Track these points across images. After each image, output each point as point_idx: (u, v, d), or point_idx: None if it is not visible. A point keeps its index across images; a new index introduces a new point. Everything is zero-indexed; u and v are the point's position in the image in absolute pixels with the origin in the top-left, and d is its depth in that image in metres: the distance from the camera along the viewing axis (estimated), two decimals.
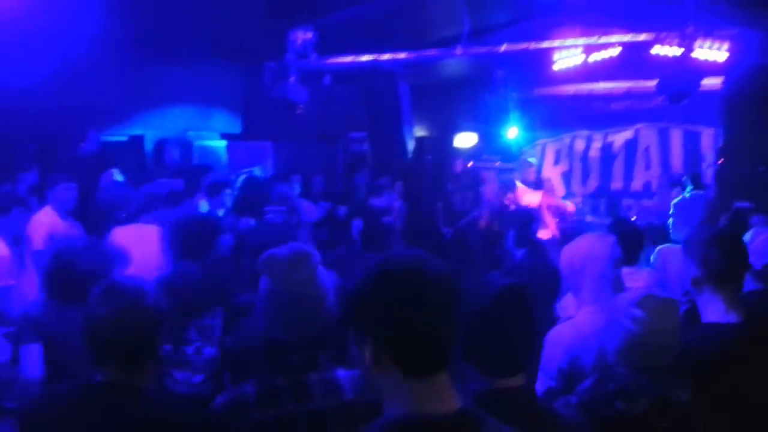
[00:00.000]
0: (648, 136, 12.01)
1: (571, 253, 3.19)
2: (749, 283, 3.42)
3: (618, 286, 3.09)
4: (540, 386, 2.91)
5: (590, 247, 3.17)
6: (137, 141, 10.11)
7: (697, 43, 7.45)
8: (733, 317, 2.73)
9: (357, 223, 8.64)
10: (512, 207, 9.56)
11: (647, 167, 12.03)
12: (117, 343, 2.17)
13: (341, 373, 2.30)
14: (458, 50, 7.96)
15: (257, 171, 11.00)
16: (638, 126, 12.03)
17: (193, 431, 2.22)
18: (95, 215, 6.42)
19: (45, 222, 6.31)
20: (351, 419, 2.23)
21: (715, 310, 2.76)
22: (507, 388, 2.03)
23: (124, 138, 9.87)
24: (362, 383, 2.27)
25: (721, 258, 2.77)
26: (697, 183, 9.03)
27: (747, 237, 3.65)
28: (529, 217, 6.19)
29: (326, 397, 2.23)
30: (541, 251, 5.82)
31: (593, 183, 12.55)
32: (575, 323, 3.02)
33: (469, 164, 12.16)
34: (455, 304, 1.55)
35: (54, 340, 3.47)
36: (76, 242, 4.00)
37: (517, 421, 1.70)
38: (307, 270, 2.28)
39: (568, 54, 11.54)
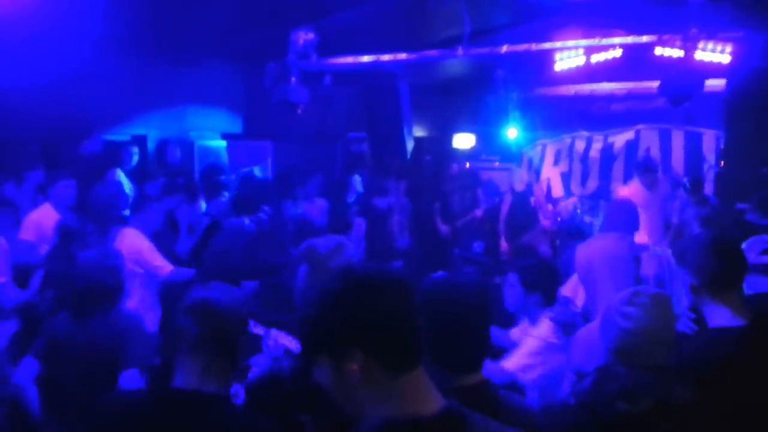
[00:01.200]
0: (649, 137, 11.96)
1: (590, 252, 3.17)
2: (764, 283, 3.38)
3: (637, 283, 3.08)
4: (570, 386, 2.89)
5: (610, 246, 3.16)
6: (140, 141, 10.12)
7: (700, 45, 7.43)
8: (739, 321, 2.69)
9: (360, 223, 8.64)
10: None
11: None
12: (196, 348, 2.17)
13: None
14: (459, 51, 7.93)
15: (257, 171, 11.01)
16: (639, 127, 11.99)
17: None
18: (91, 213, 6.47)
19: (40, 219, 6.35)
20: None
21: (720, 315, 2.72)
22: (468, 384, 2.08)
23: (126, 138, 9.89)
24: None
25: (718, 265, 2.73)
26: (697, 187, 8.99)
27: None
28: None
29: None
30: None
31: (592, 184, 12.51)
32: None
33: (467, 165, 12.17)
34: (413, 301, 1.65)
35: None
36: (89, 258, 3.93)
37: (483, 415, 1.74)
38: (343, 259, 2.54)
39: (569, 55, 11.54)
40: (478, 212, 10.49)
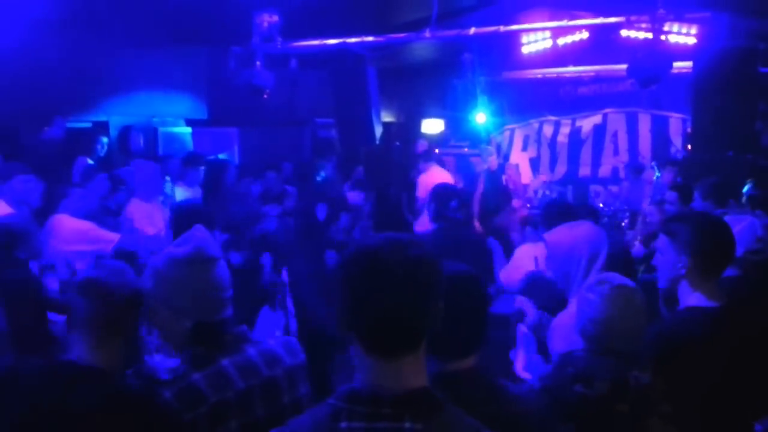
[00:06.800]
0: (616, 121, 12.02)
1: (567, 238, 3.14)
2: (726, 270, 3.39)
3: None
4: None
5: (588, 233, 3.14)
6: (102, 127, 9.91)
7: (667, 26, 7.43)
8: (713, 302, 2.69)
9: (321, 208, 8.44)
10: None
11: (615, 153, 12.06)
12: (89, 320, 2.19)
13: (271, 341, 2.39)
14: (427, 33, 7.86)
15: (222, 157, 10.84)
16: (606, 111, 12.04)
17: (150, 420, 2.14)
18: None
19: None
20: (293, 382, 2.35)
21: (696, 296, 2.71)
22: (459, 370, 2.02)
23: (88, 124, 9.67)
24: (293, 347, 2.39)
25: (711, 249, 2.72)
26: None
27: None
28: (451, 193, 5.87)
29: (270, 366, 2.30)
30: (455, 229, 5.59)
31: (561, 169, 12.55)
32: None
33: (436, 150, 12.08)
34: (423, 288, 1.52)
35: None
36: None
37: (471, 401, 1.71)
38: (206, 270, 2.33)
39: (536, 38, 11.52)
40: None
